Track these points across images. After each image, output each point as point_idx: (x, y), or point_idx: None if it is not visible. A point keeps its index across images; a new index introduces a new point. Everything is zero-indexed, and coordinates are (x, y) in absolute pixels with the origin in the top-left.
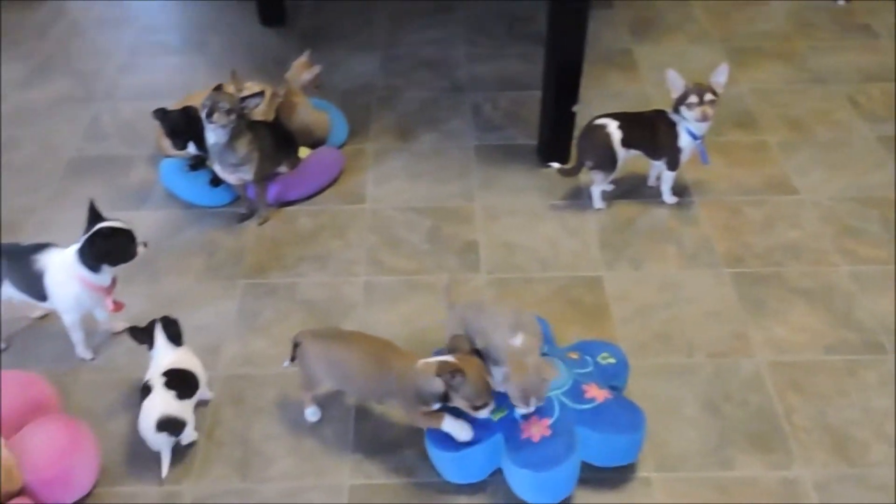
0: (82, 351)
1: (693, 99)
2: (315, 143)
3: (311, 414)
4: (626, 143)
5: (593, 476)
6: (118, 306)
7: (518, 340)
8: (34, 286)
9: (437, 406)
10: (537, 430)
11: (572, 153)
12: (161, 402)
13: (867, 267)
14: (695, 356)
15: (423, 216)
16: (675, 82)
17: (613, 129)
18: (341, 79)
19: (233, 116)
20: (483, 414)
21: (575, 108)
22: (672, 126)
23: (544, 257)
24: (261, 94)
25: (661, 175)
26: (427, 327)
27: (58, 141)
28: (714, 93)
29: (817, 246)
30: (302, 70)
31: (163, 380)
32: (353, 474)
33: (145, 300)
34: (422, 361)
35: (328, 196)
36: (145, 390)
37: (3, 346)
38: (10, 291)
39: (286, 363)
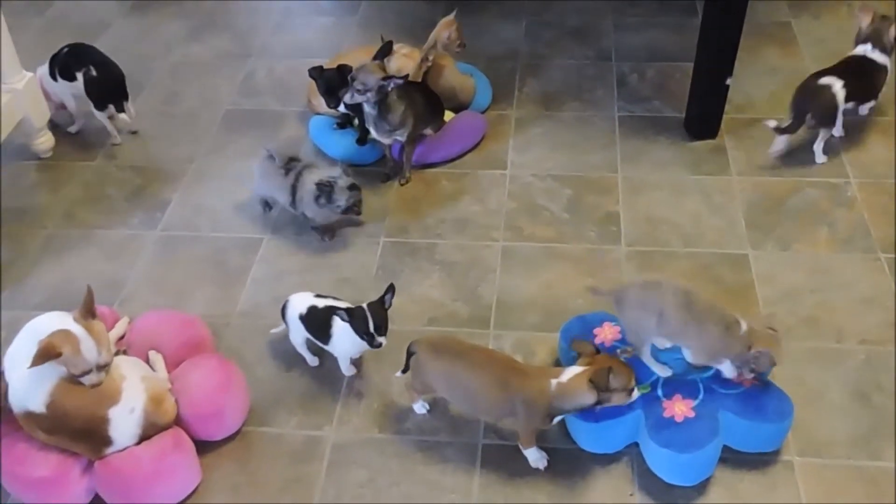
0: None
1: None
2: (459, 107)
3: (420, 407)
4: (849, 98)
5: (733, 456)
6: None
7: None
8: None
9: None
10: (680, 410)
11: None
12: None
13: None
14: (845, 343)
15: (564, 185)
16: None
17: (839, 88)
18: (487, 44)
19: (370, 94)
20: (636, 394)
21: (728, 81)
22: (882, 67)
23: (687, 233)
24: (405, 77)
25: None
26: (564, 295)
27: (215, 95)
28: None
29: None
30: (446, 28)
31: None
32: (487, 434)
33: (296, 248)
34: (556, 381)
35: (470, 160)
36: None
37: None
38: None
39: (398, 373)
